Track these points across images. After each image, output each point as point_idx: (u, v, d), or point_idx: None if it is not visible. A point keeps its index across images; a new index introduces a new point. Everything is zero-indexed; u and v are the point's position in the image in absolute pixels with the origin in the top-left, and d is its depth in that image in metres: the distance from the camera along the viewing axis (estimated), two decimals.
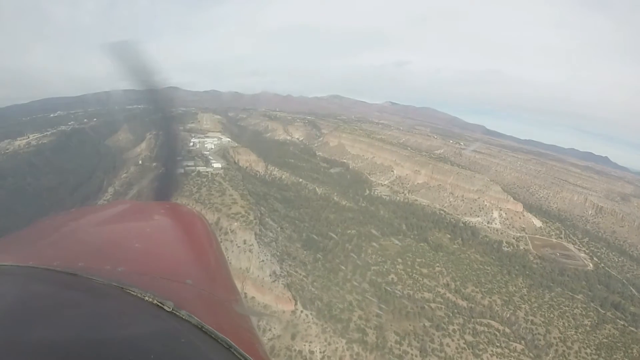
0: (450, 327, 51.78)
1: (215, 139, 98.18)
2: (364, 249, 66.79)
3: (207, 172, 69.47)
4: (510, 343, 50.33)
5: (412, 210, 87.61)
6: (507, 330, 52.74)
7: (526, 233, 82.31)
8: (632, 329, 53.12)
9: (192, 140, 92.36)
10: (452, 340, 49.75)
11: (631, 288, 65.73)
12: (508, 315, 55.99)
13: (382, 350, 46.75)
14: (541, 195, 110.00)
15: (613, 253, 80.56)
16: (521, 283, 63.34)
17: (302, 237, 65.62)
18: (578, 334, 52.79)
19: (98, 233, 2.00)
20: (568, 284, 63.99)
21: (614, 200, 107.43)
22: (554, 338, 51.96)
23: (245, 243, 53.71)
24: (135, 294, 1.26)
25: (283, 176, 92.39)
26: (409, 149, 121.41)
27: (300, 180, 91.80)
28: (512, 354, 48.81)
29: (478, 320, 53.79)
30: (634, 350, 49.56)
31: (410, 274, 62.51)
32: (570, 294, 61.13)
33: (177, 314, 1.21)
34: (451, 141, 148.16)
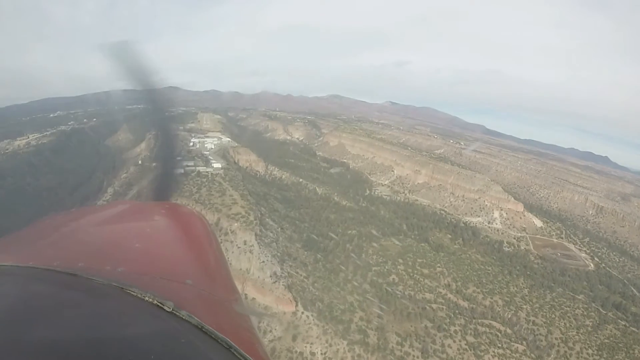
0: (452, 328, 51.67)
1: (215, 139, 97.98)
2: (365, 250, 66.57)
3: (207, 172, 69.22)
4: (512, 344, 50.23)
5: (412, 211, 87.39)
6: (508, 331, 52.61)
7: (527, 233, 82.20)
8: (634, 329, 53.07)
9: (192, 140, 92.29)
10: (454, 341, 49.63)
11: (632, 288, 65.64)
12: (509, 316, 55.84)
13: (384, 351, 46.58)
14: (542, 195, 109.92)
15: (614, 253, 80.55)
16: (522, 283, 63.19)
17: (302, 237, 65.39)
18: (579, 334, 52.70)
19: (98, 233, 1.98)
20: (569, 284, 63.89)
21: (615, 200, 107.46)
22: (556, 339, 51.87)
23: (245, 244, 53.49)
24: (135, 294, 1.26)
25: (283, 176, 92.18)
26: (409, 148, 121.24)
27: (301, 180, 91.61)
28: (513, 354, 48.70)
29: (479, 321, 53.68)
30: (636, 351, 49.47)
31: (411, 274, 62.33)
32: (572, 294, 61.03)
33: (177, 314, 1.21)
34: (451, 141, 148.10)
